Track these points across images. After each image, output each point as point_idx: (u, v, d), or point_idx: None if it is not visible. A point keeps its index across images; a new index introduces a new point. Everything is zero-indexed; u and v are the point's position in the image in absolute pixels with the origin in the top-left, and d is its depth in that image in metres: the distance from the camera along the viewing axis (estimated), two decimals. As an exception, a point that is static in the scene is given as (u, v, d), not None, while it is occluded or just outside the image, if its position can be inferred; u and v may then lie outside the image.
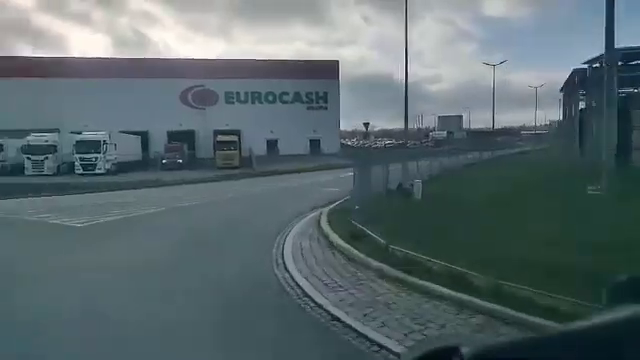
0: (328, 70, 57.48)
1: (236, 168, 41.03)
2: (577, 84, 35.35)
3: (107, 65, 52.46)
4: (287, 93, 57.15)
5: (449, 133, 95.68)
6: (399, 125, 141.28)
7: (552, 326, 0.86)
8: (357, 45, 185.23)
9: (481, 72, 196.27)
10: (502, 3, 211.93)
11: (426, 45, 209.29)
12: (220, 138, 45.42)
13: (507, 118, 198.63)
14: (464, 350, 0.73)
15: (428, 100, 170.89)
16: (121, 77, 50.81)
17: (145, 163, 44.00)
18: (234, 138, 45.83)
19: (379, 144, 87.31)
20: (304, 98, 57.84)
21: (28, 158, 37.26)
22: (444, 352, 0.76)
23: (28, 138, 37.83)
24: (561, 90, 45.96)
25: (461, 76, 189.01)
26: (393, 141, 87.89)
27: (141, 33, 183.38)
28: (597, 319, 0.74)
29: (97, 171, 36.48)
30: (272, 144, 55.87)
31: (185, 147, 47.57)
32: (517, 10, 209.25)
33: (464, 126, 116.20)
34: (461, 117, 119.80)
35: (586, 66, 29.48)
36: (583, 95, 36.38)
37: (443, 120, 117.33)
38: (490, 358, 0.73)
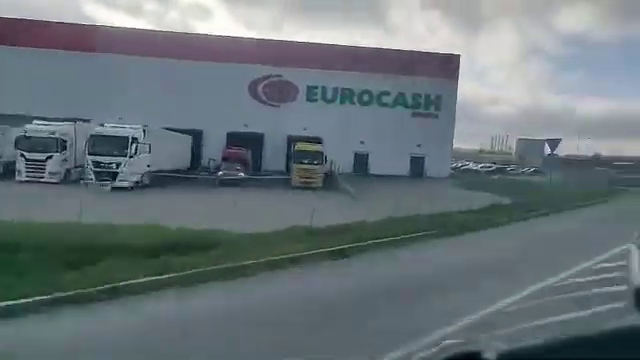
0: (444, 66, 42.89)
1: (316, 189, 27.52)
2: None
3: (155, 40, 40.40)
4: (388, 93, 42.84)
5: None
6: (468, 145, 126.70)
7: (573, 330, 0.73)
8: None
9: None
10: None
11: (493, 62, 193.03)
12: (300, 146, 31.76)
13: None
14: (486, 356, 0.74)
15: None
16: (171, 57, 38.61)
17: (194, 174, 31.13)
18: (319, 148, 32.16)
19: (474, 167, 72.45)
20: (409, 101, 43.54)
21: (22, 156, 24.97)
22: (467, 357, 0.76)
23: (26, 127, 25.55)
24: None
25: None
26: (493, 165, 73.72)
27: (191, 26, 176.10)
28: (616, 324, 0.73)
29: (119, 183, 23.66)
30: (361, 159, 41.91)
31: (249, 155, 34.52)
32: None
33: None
34: (544, 142, 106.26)
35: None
36: None
37: (524, 144, 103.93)
38: None
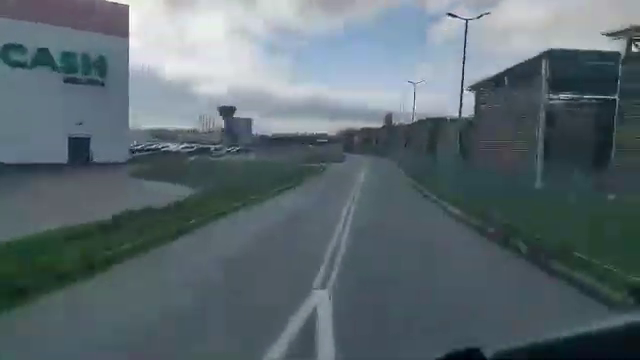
0: (109, 18, 32.23)
1: None
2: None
3: None
4: (20, 46, 29.81)
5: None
6: (186, 125, 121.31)
7: (572, 328, 0.73)
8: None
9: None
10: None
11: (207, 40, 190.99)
12: None
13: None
14: (485, 352, 0.75)
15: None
16: None
17: None
18: None
19: (175, 148, 64.76)
20: (59, 63, 31.47)
21: None
22: (466, 354, 0.77)
23: None
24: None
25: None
26: (194, 145, 68.04)
27: None
28: (618, 321, 0.71)
29: None
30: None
31: None
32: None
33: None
34: (250, 120, 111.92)
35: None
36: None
37: (231, 123, 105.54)
38: None
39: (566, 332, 0.73)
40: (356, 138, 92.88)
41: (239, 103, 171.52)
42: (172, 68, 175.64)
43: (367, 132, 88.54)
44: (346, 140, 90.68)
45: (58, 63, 31.03)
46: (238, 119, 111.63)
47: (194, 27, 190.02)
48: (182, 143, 74.60)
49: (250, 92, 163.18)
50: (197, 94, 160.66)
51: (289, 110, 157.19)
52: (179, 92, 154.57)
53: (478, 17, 24.56)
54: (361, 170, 32.75)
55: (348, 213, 12.69)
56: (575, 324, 0.73)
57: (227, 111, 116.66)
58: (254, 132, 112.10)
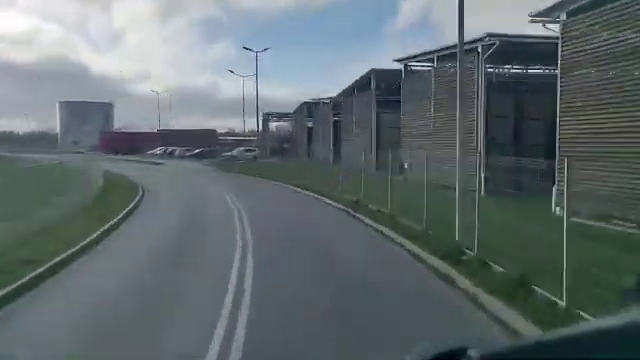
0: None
1: None
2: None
3: None
4: None
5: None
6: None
7: (561, 329, 0.75)
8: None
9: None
10: None
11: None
12: None
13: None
14: (472, 352, 0.75)
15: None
16: None
17: None
18: None
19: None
20: None
21: None
22: (452, 354, 0.77)
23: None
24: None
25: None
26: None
27: None
28: (608, 322, 0.71)
29: None
30: None
31: None
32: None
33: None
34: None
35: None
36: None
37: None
38: None
39: (555, 334, 0.74)
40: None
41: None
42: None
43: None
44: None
45: None
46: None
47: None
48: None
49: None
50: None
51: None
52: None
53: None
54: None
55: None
56: (565, 326, 0.76)
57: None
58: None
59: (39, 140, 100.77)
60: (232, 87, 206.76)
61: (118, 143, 76.23)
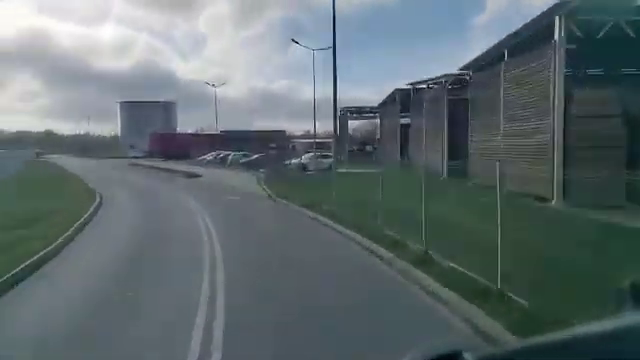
0: None
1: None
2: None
3: None
4: None
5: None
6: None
7: (556, 333, 0.75)
8: None
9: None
10: None
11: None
12: None
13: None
14: (467, 356, 0.75)
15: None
16: None
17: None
18: None
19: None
20: None
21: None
22: (447, 358, 0.77)
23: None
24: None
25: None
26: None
27: None
28: (602, 326, 0.72)
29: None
30: None
31: None
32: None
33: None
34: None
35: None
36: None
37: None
38: None
39: (549, 338, 0.73)
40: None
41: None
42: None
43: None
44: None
45: None
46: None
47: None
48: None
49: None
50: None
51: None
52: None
53: None
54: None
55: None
56: (560, 331, 0.73)
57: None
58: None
59: (106, 145, 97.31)
60: (310, 90, 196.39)
61: (167, 146, 65.58)
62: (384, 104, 44.41)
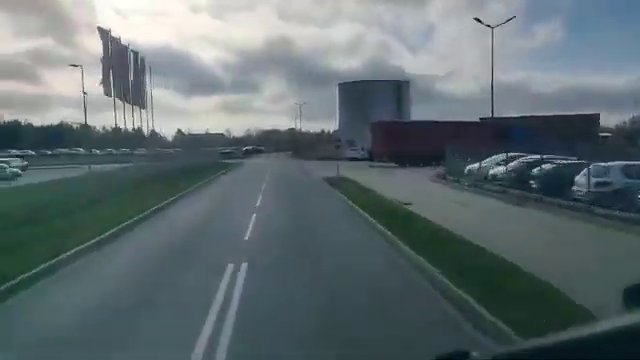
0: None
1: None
2: None
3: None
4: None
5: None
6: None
7: (563, 333, 0.74)
8: None
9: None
10: None
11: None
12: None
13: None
14: (474, 355, 0.77)
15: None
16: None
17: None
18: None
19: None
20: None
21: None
22: (455, 357, 0.79)
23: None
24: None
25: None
26: None
27: None
28: (611, 325, 0.71)
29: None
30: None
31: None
32: None
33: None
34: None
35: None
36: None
37: None
38: None
39: (557, 337, 0.73)
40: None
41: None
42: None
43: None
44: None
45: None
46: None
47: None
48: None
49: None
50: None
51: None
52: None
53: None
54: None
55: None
56: (565, 330, 0.73)
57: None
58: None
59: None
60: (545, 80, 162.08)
61: (399, 142, 38.06)
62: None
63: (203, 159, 47.50)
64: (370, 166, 40.43)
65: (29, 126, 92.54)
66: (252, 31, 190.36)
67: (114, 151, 58.39)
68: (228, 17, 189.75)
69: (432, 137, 35.71)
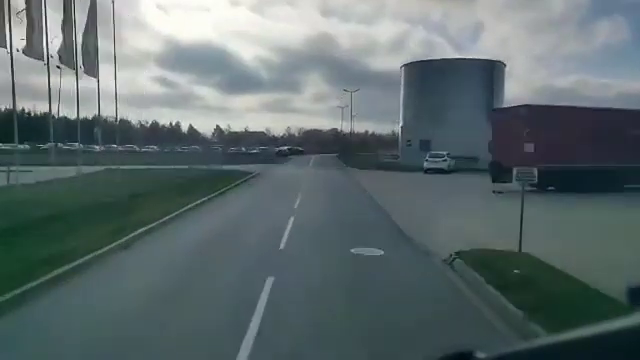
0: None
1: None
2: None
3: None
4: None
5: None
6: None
7: (569, 332, 0.72)
8: None
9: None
10: None
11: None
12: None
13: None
14: (479, 355, 0.76)
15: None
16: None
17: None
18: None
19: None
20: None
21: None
22: (459, 357, 0.78)
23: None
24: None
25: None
26: None
27: None
28: (616, 324, 0.70)
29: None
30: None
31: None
32: None
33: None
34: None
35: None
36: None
37: None
38: None
39: (561, 337, 0.72)
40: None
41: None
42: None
43: None
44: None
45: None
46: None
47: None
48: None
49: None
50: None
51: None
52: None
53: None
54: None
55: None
56: (570, 330, 0.72)
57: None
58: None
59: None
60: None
61: (563, 147, 19.84)
62: None
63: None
64: (495, 192, 21.22)
65: (60, 120, 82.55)
66: (293, 28, 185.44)
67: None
68: (268, 13, 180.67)
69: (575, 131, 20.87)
